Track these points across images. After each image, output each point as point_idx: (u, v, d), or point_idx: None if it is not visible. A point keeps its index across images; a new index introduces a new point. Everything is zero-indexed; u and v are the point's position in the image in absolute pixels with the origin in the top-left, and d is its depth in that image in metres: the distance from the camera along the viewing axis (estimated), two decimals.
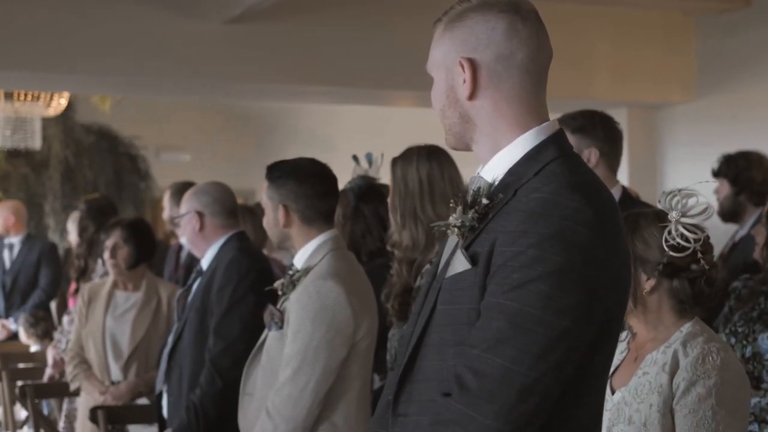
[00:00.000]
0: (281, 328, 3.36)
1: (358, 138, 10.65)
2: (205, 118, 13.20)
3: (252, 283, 4.17)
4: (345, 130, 11.56)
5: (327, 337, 3.29)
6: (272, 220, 3.54)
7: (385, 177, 4.58)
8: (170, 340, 4.44)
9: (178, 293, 5.24)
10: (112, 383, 5.19)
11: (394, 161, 3.62)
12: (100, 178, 11.89)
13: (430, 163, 3.55)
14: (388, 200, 3.70)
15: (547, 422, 1.89)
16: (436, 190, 3.55)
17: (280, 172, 3.55)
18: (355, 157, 4.57)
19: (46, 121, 9.21)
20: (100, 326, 5.24)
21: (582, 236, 1.85)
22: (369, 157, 4.58)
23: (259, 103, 12.39)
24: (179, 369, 4.31)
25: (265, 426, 3.32)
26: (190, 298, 4.41)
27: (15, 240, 8.55)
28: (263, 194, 3.59)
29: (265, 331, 3.49)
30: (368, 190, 4.31)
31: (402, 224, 3.53)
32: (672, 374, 2.65)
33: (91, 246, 5.85)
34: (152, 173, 12.43)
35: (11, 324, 8.29)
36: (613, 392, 2.74)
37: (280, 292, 3.45)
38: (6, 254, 8.56)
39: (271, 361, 3.40)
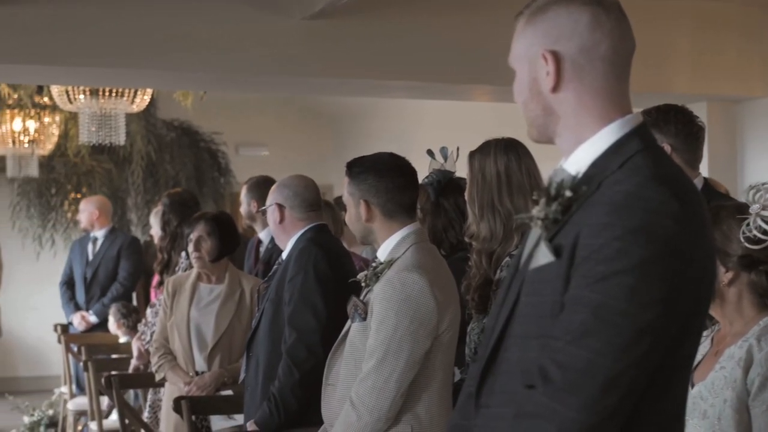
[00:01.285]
0: (365, 319, 3.41)
1: (434, 133, 10.67)
2: (283, 114, 13.29)
3: (322, 274, 4.22)
4: (421, 125, 11.57)
5: (410, 329, 3.32)
6: (354, 215, 3.58)
7: (461, 171, 4.60)
8: (249, 331, 4.53)
9: (259, 285, 5.34)
10: (197, 374, 5.28)
11: (472, 154, 3.63)
12: (181, 173, 12.04)
13: (507, 155, 3.56)
14: (466, 193, 3.72)
15: (631, 415, 1.88)
16: (513, 182, 3.56)
17: (359, 168, 3.59)
18: (430, 152, 4.60)
19: (129, 118, 9.35)
20: (185, 318, 5.33)
21: (667, 229, 1.85)
22: (444, 152, 4.60)
23: (337, 99, 12.45)
24: (256, 359, 4.39)
25: (348, 416, 3.36)
26: (268, 289, 4.49)
27: (99, 234, 8.73)
28: (344, 190, 3.63)
29: (348, 322, 3.53)
30: (447, 184, 4.33)
31: (480, 216, 3.54)
32: (746, 370, 2.64)
33: (174, 239, 5.94)
34: (232, 168, 12.57)
35: (90, 316, 8.45)
36: (692, 386, 2.73)
37: (363, 284, 3.50)
38: (90, 247, 8.73)
39: (354, 352, 3.44)
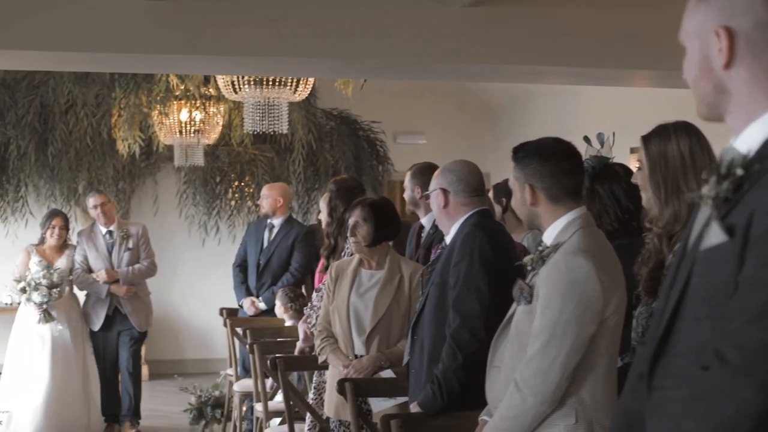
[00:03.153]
0: (530, 302, 3.42)
1: (590, 119, 10.57)
2: (441, 102, 13.34)
3: (487, 259, 4.24)
4: (578, 111, 11.47)
5: (576, 312, 3.32)
6: (520, 199, 3.59)
7: (617, 156, 4.56)
8: (414, 314, 4.58)
9: (420, 270, 5.39)
10: (356, 357, 5.37)
11: (647, 139, 3.57)
12: (340, 161, 12.21)
13: (689, 138, 3.50)
14: (638, 179, 3.66)
15: None
16: (697, 164, 3.48)
17: (524, 152, 3.60)
18: (586, 138, 4.56)
19: (291, 107, 9.51)
20: (345, 302, 5.42)
21: None
22: (600, 137, 4.55)
23: (495, 86, 12.43)
24: (421, 342, 4.44)
25: (513, 398, 3.38)
26: (432, 273, 4.53)
27: (276, 221, 8.82)
28: (510, 175, 3.64)
29: (514, 305, 3.55)
30: (602, 170, 4.29)
31: (665, 201, 3.48)
32: None
33: (340, 225, 6.02)
34: (390, 157, 12.68)
35: (260, 302, 8.61)
36: None
37: (529, 268, 3.51)
38: (266, 234, 8.85)
39: (519, 335, 3.46)
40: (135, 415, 9.00)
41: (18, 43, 6.40)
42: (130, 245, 8.97)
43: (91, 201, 9.02)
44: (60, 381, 8.53)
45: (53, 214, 9.10)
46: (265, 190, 8.88)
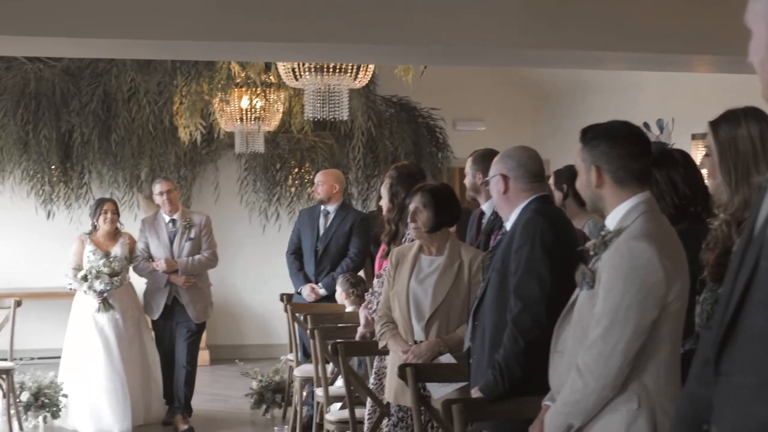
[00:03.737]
0: (592, 287, 3.41)
1: (650, 105, 10.48)
2: (501, 89, 13.31)
3: (548, 244, 4.24)
4: (638, 97, 11.38)
5: (638, 298, 3.31)
6: (585, 181, 3.59)
7: (678, 143, 4.53)
8: (475, 300, 4.59)
9: (480, 256, 5.39)
10: (415, 342, 5.39)
11: (716, 124, 3.52)
12: (400, 148, 12.23)
13: (759, 123, 3.45)
14: (705, 165, 3.62)
15: None
16: None
17: (593, 134, 3.59)
18: (645, 124, 4.53)
19: (350, 94, 9.53)
20: (404, 288, 5.44)
21: None
22: (660, 123, 4.53)
23: (555, 72, 12.37)
24: (482, 328, 4.44)
25: (575, 383, 3.39)
26: (493, 259, 4.53)
27: (331, 208, 8.87)
28: (577, 157, 3.63)
29: (576, 290, 3.54)
30: (660, 156, 4.27)
31: (735, 188, 3.45)
32: None
33: (401, 211, 6.03)
34: (449, 144, 12.68)
35: (320, 288, 8.65)
36: None
37: (591, 252, 3.50)
38: (321, 221, 8.89)
39: (581, 320, 3.46)
40: (186, 408, 8.87)
41: (81, 30, 6.47)
42: (192, 235, 8.87)
43: (157, 187, 8.93)
44: (118, 369, 8.52)
45: (102, 200, 9.01)
46: (320, 177, 8.91)
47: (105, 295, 8.49)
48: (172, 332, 8.88)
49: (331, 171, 9.25)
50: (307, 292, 8.70)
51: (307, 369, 8.00)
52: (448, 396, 4.88)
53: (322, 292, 8.57)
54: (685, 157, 4.33)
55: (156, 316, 8.86)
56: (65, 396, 8.74)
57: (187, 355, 8.86)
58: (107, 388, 8.50)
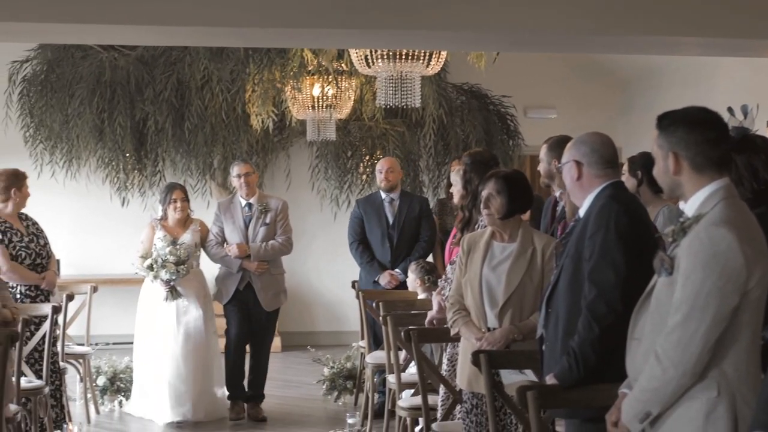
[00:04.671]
0: (671, 274, 3.38)
1: (725, 92, 10.33)
2: (572, 76, 13.22)
3: (623, 230, 4.20)
4: (714, 84, 11.23)
5: (718, 284, 3.27)
6: (662, 168, 3.55)
7: (760, 128, 4.47)
8: (548, 287, 4.56)
9: (553, 243, 5.36)
10: (488, 329, 5.38)
11: None
12: (471, 135, 12.19)
13: None
14: None
15: None
16: None
17: (670, 120, 3.54)
18: (730, 109, 4.48)
19: (422, 81, 9.53)
20: (477, 275, 5.42)
21: None
22: (744, 109, 4.47)
23: (627, 58, 12.25)
24: (555, 315, 4.42)
25: (653, 370, 3.35)
26: (566, 245, 4.50)
27: (395, 195, 8.97)
28: (653, 143, 3.59)
29: (654, 277, 3.51)
30: (741, 141, 4.22)
31: None
32: None
33: (474, 198, 6.02)
34: (520, 131, 12.62)
35: (399, 275, 8.66)
36: None
37: (670, 239, 3.46)
38: (387, 208, 8.95)
39: (660, 307, 3.42)
40: (259, 397, 8.78)
41: (156, 18, 6.53)
42: (268, 220, 8.69)
43: (235, 169, 8.77)
44: (187, 358, 8.44)
45: (172, 187, 8.81)
46: (386, 164, 9.03)
47: (172, 283, 8.41)
48: (242, 319, 8.68)
49: (393, 159, 9.39)
50: (387, 280, 8.75)
51: (378, 356, 8.04)
52: (519, 383, 4.87)
53: (402, 277, 8.59)
54: (767, 143, 4.27)
55: (225, 301, 8.70)
56: (131, 383, 8.81)
57: (261, 345, 8.75)
58: (170, 376, 8.43)
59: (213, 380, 8.65)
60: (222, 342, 8.84)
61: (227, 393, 8.76)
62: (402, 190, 9.23)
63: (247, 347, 8.83)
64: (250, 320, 8.73)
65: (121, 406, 8.94)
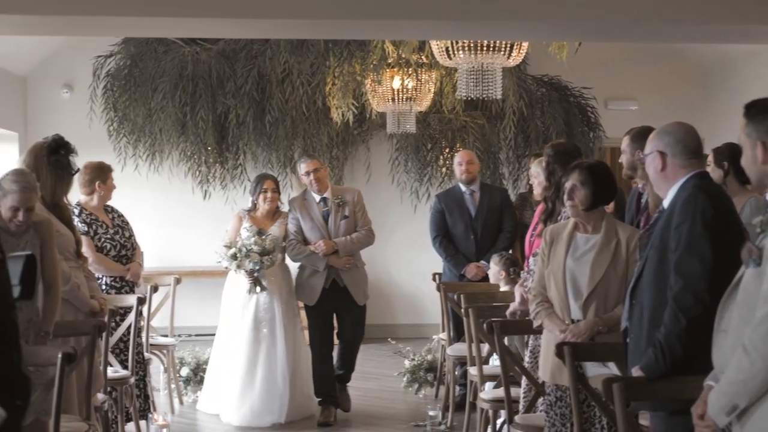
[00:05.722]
0: (759, 265, 3.32)
1: None
2: (653, 67, 13.07)
3: (709, 221, 4.14)
4: None
5: None
6: (750, 157, 3.49)
7: None
8: (632, 278, 4.52)
9: (637, 234, 5.31)
10: (572, 321, 5.34)
11: None
12: (551, 128, 12.11)
13: None
14: None
15: None
16: None
17: (757, 109, 3.48)
18: None
19: (502, 73, 9.49)
20: (561, 267, 5.39)
21: None
22: None
23: (710, 47, 12.07)
24: (640, 307, 4.37)
25: (741, 362, 3.29)
26: (651, 237, 4.45)
27: (474, 187, 8.94)
28: (740, 132, 3.54)
29: (742, 268, 3.45)
30: None
31: None
32: None
33: (558, 189, 5.97)
34: (601, 123, 12.50)
35: (485, 266, 8.62)
36: None
37: (758, 230, 3.40)
38: (469, 200, 8.92)
39: (747, 298, 3.36)
40: (346, 381, 8.58)
41: (238, 11, 6.59)
42: (347, 213, 8.35)
43: (303, 167, 8.40)
44: (273, 355, 8.16)
45: (263, 177, 8.56)
46: (466, 156, 9.02)
47: (256, 274, 8.12)
48: (330, 319, 8.38)
49: (471, 151, 9.35)
50: (474, 272, 8.71)
51: (459, 348, 8.02)
52: (602, 376, 4.83)
53: (488, 268, 8.53)
54: None
55: (313, 302, 8.30)
56: (204, 378, 8.70)
57: (353, 341, 8.45)
58: (261, 376, 8.15)
59: (297, 380, 8.33)
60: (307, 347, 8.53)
61: (318, 401, 8.45)
62: (481, 182, 9.18)
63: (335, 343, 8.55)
64: (339, 319, 8.44)
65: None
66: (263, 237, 8.09)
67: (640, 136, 5.76)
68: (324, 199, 8.40)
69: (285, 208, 8.61)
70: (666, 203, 4.42)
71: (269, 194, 8.35)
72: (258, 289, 8.20)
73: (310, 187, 8.39)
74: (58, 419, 5.01)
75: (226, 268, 8.34)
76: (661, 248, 4.29)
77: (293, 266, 8.68)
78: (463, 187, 8.96)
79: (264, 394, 8.17)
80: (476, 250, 8.78)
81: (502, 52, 8.04)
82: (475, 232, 8.79)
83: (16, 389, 3.10)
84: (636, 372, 4.23)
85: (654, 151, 4.42)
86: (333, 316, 8.42)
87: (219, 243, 8.34)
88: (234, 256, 8.06)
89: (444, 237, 8.88)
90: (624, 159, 6.05)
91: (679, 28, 7.18)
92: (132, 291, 7.64)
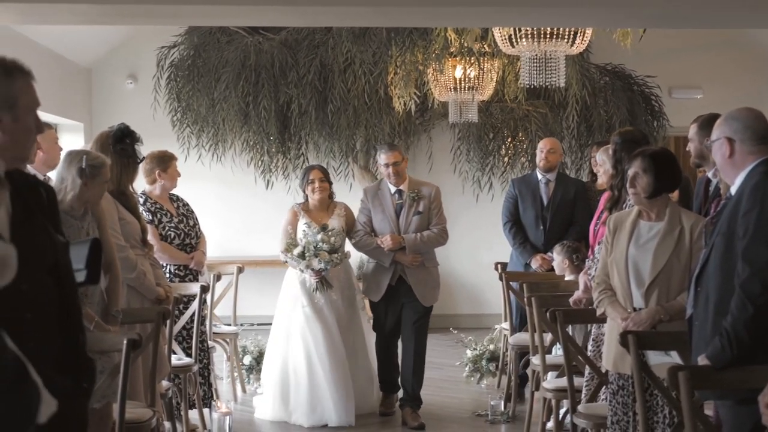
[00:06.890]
0: None
1: None
2: (719, 55, 12.91)
3: None
4: None
5: None
6: None
7: None
8: (697, 266, 4.46)
9: (702, 222, 5.24)
10: (635, 310, 5.29)
11: None
12: (614, 117, 12.01)
13: None
14: None
15: None
16: None
17: None
18: None
19: (565, 61, 9.42)
20: (623, 254, 5.35)
21: None
22: None
23: None
24: (705, 295, 4.31)
25: None
26: (717, 223, 4.39)
27: (551, 176, 8.82)
28: None
29: None
30: None
31: None
32: None
33: (624, 177, 5.92)
34: (665, 112, 12.37)
35: (552, 259, 8.50)
36: None
37: None
38: (543, 189, 8.80)
39: None
40: (415, 401, 8.07)
41: None
42: (421, 208, 7.97)
43: (383, 157, 8.02)
44: (341, 355, 7.83)
45: (309, 168, 8.28)
46: (549, 144, 8.82)
47: (324, 273, 7.82)
48: (395, 316, 8.05)
49: (555, 139, 9.18)
50: (539, 264, 8.58)
51: (522, 338, 7.98)
52: (665, 365, 4.78)
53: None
54: None
55: (378, 298, 8.02)
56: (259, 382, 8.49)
57: (415, 342, 8.03)
58: (330, 377, 7.78)
59: (364, 379, 8.10)
60: (373, 337, 8.21)
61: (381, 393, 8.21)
62: (559, 172, 8.99)
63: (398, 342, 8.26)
64: (403, 317, 8.05)
65: None
66: (329, 233, 7.79)
67: (708, 123, 5.68)
68: (399, 192, 8.05)
69: (338, 198, 8.33)
70: (733, 190, 4.36)
71: (317, 184, 7.99)
72: (324, 287, 7.86)
73: (387, 179, 8.07)
74: (123, 405, 5.06)
75: (298, 267, 7.89)
76: (729, 235, 4.22)
77: (354, 258, 8.44)
78: (539, 175, 8.82)
79: (338, 395, 7.78)
80: (545, 240, 8.64)
81: (565, 40, 7.99)
82: (544, 221, 8.65)
83: (82, 372, 3.14)
84: (702, 360, 4.17)
85: (721, 137, 4.35)
86: (399, 312, 8.08)
87: (279, 245, 8.00)
88: (302, 255, 7.76)
89: (514, 224, 8.76)
90: (692, 147, 5.97)
91: (744, 13, 7.08)
92: (196, 279, 7.69)
